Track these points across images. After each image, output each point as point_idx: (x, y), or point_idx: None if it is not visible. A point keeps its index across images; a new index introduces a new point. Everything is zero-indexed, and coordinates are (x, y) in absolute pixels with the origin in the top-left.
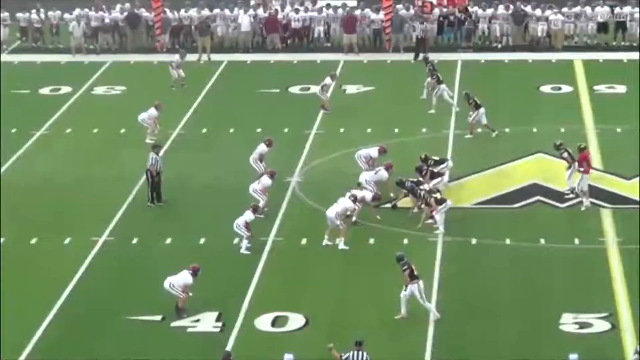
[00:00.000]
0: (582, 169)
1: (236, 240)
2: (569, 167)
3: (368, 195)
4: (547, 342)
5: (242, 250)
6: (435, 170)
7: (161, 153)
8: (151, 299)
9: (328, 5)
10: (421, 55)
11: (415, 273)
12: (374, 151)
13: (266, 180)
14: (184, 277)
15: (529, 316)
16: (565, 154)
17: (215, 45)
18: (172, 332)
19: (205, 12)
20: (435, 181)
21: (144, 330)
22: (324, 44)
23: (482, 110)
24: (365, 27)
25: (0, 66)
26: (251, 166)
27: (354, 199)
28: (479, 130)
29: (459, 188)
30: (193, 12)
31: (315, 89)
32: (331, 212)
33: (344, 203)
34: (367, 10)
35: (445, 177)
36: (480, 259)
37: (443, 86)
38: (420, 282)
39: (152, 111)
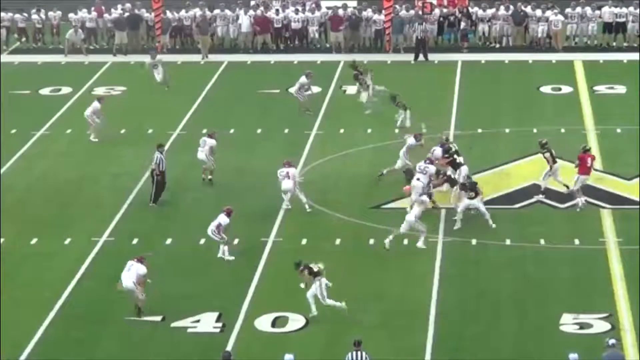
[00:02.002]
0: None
1: (236, 241)
2: (550, 168)
3: (432, 169)
4: (547, 342)
5: (226, 257)
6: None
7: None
8: (151, 299)
9: (319, 6)
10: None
11: (316, 270)
12: (410, 139)
13: (223, 219)
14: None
15: (529, 316)
16: (548, 154)
17: (215, 45)
18: (172, 333)
19: (207, 12)
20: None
21: (144, 330)
22: (323, 45)
23: (408, 113)
24: (367, 27)
25: (0, 67)
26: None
27: (429, 195)
28: (481, 131)
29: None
30: (194, 12)
31: (315, 89)
32: (411, 216)
33: (418, 203)
34: (369, 11)
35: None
36: (480, 259)
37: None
38: (323, 280)
39: (96, 104)
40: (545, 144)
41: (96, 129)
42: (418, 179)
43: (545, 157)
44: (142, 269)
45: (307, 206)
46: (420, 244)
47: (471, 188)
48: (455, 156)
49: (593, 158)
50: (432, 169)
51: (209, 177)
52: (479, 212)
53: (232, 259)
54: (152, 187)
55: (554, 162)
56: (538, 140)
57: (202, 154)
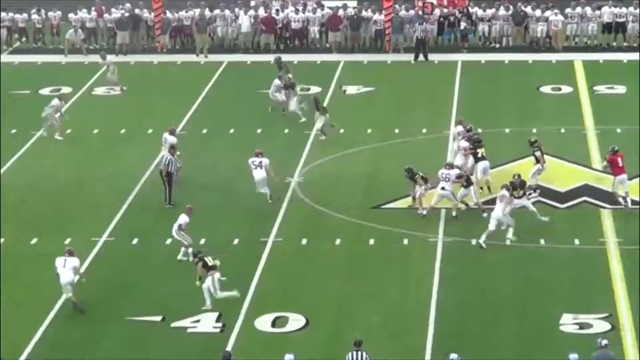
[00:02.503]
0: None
1: (236, 241)
2: (539, 166)
3: (454, 173)
4: (547, 342)
5: (179, 257)
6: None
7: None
8: (151, 299)
9: (322, 6)
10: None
11: (210, 265)
12: (458, 128)
13: (183, 218)
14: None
15: (529, 317)
16: (538, 153)
17: (215, 45)
18: (172, 333)
19: (206, 11)
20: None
21: (144, 330)
22: (324, 45)
23: (328, 116)
24: (367, 27)
25: (0, 66)
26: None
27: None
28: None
29: (456, 189)
30: (194, 12)
31: (315, 89)
32: (497, 212)
33: (500, 199)
34: (369, 11)
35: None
36: (480, 259)
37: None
38: (216, 275)
39: (55, 101)
40: (535, 142)
41: (59, 127)
42: (443, 188)
43: (535, 156)
44: (76, 262)
45: (268, 198)
46: (509, 235)
47: (521, 186)
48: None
49: (622, 157)
50: (454, 173)
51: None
52: (527, 209)
53: (185, 259)
54: (165, 188)
55: (543, 161)
56: (528, 139)
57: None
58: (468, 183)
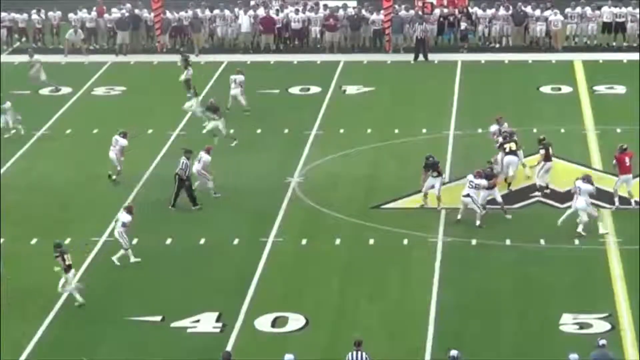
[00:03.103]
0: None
1: (236, 241)
2: (539, 163)
3: (483, 183)
4: (547, 342)
5: (114, 257)
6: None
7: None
8: (151, 299)
9: (325, 7)
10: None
11: (68, 263)
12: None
13: (125, 217)
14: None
15: (529, 317)
16: (543, 151)
17: (215, 45)
18: (172, 333)
19: (206, 12)
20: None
21: (143, 330)
22: (322, 45)
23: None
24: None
25: (1, 66)
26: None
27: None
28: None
29: (459, 189)
30: (197, 12)
31: (315, 89)
32: (581, 203)
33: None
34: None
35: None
36: (480, 259)
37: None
38: (73, 271)
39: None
40: (543, 140)
41: (6, 128)
42: (468, 195)
43: (540, 153)
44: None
45: (214, 193)
46: (580, 229)
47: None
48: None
49: (631, 156)
50: (483, 183)
51: (114, 177)
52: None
53: (138, 260)
54: (174, 190)
55: (548, 159)
56: (538, 137)
57: (112, 154)
58: (494, 185)
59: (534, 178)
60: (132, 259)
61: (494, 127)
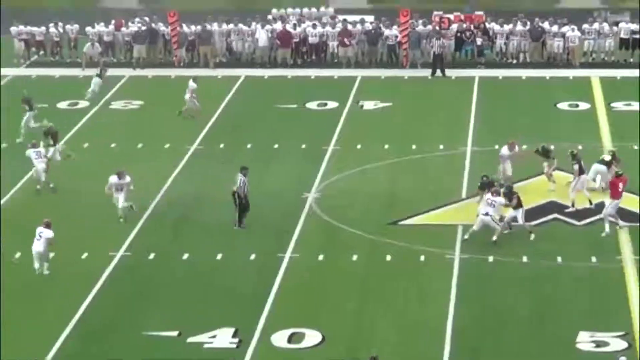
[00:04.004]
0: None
1: (252, 257)
2: (574, 179)
3: (500, 200)
4: None
5: (45, 271)
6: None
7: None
8: (168, 314)
9: (344, 21)
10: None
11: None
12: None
13: (48, 232)
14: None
15: (546, 334)
16: (576, 166)
17: (232, 60)
18: (188, 348)
19: (223, 25)
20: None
21: (160, 345)
22: (339, 60)
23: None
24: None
25: None
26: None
27: None
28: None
29: (475, 205)
30: (214, 26)
31: (332, 104)
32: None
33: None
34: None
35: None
36: (497, 276)
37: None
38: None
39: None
40: (576, 155)
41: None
42: (487, 214)
43: (573, 168)
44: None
45: (133, 207)
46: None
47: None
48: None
49: (625, 182)
50: (500, 201)
51: (38, 187)
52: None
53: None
54: (236, 209)
55: (582, 172)
56: (570, 151)
57: (41, 164)
58: (518, 204)
59: (568, 194)
60: (45, 270)
61: (504, 150)
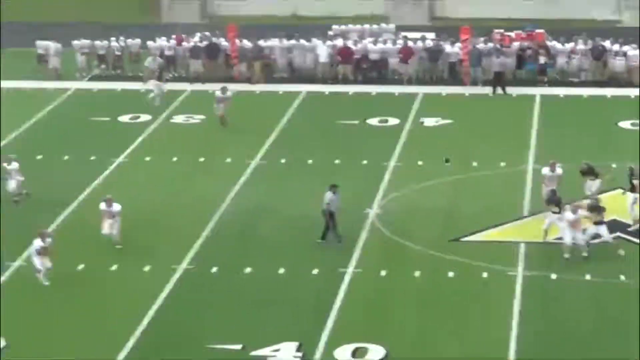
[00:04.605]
0: None
1: (315, 271)
2: (632, 196)
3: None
4: None
5: (45, 282)
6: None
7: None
8: (231, 327)
9: (405, 38)
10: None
11: None
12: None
13: (39, 242)
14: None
15: (608, 354)
16: (636, 181)
17: (293, 75)
18: None
19: (283, 41)
20: None
21: (224, 358)
22: (400, 76)
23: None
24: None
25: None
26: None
27: None
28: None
29: (537, 222)
30: (275, 41)
31: (393, 121)
32: None
33: None
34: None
35: None
36: (560, 294)
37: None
38: None
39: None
40: (635, 171)
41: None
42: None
43: (631, 184)
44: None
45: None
46: None
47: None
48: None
49: None
50: (570, 216)
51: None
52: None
53: (47, 283)
54: (325, 224)
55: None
56: (629, 167)
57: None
58: (601, 219)
59: (628, 212)
60: (45, 282)
61: (545, 171)
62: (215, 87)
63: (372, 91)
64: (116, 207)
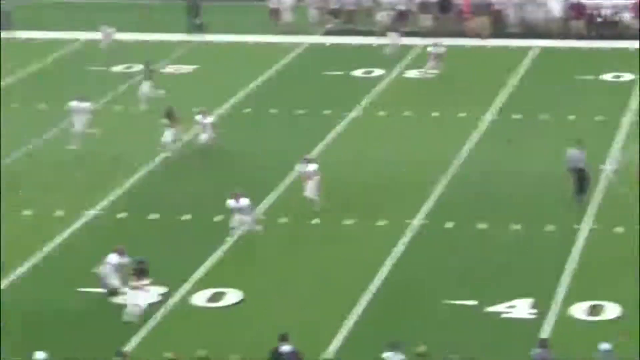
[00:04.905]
0: None
1: (550, 228)
2: None
3: None
4: None
5: (126, 318)
6: None
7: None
8: (466, 283)
9: None
10: None
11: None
12: None
13: (115, 259)
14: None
15: None
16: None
17: (526, 30)
18: (486, 317)
19: None
20: None
21: (459, 313)
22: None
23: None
24: None
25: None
26: None
27: None
28: None
29: None
30: None
31: (627, 76)
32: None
33: None
34: None
35: None
36: None
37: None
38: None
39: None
40: None
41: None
42: None
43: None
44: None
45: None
46: None
47: None
48: None
49: None
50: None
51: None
52: None
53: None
54: (578, 183)
55: None
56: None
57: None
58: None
59: None
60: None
61: None
62: (448, 42)
63: (605, 46)
64: (311, 166)
